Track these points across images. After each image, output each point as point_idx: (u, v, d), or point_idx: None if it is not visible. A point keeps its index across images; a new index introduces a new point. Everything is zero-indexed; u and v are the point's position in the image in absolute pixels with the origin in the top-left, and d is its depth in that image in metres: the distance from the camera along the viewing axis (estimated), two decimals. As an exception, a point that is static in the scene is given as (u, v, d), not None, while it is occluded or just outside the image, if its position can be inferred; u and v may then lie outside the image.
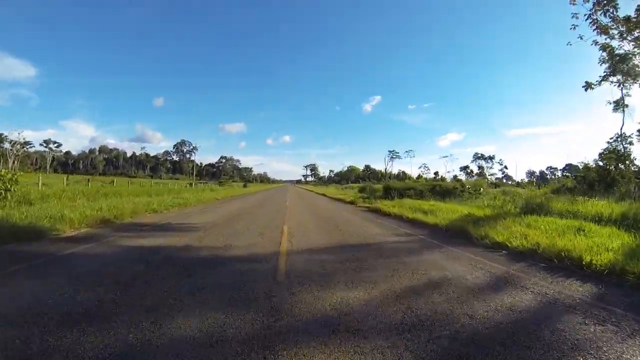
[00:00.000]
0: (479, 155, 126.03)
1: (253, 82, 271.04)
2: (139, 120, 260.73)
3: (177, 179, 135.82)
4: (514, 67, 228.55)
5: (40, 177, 19.97)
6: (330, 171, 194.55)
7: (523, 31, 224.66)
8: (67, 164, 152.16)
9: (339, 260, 6.23)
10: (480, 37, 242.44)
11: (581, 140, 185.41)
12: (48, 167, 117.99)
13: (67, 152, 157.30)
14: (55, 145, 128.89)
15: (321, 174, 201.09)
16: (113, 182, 34.19)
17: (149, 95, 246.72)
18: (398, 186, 28.34)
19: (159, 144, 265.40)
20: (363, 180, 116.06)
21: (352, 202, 26.35)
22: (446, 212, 14.00)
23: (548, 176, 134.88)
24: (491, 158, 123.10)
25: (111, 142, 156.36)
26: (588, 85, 18.01)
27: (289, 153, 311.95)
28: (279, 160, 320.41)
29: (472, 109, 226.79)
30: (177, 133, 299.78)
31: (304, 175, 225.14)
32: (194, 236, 8.45)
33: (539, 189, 27.43)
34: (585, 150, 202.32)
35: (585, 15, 15.25)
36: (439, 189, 25.75)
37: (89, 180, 38.00)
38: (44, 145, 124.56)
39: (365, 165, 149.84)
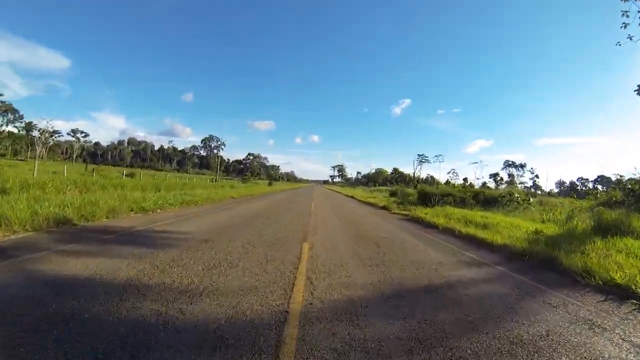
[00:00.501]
0: (510, 162, 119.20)
1: (284, 81, 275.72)
2: (168, 115, 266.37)
3: (203, 174, 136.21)
4: (547, 75, 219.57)
5: (36, 164, 17.61)
6: (358, 173, 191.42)
7: (560, 38, 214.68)
8: (95, 155, 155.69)
9: (402, 338, 3.09)
10: (514, 43, 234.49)
11: (614, 152, 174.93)
12: (74, 157, 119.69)
13: (97, 143, 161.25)
14: (83, 135, 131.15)
15: (349, 175, 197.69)
16: (124, 173, 32.02)
17: (179, 90, 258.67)
18: (435, 192, 24.68)
19: (188, 139, 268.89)
20: (390, 183, 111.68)
21: (385, 208, 22.92)
22: (506, 227, 11.38)
23: (579, 187, 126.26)
24: (522, 166, 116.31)
25: (140, 135, 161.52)
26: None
27: (316, 153, 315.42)
28: (307, 159, 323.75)
29: (502, 116, 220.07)
30: (206, 129, 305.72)
31: (331, 176, 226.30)
32: (158, 260, 5.19)
33: (580, 200, 23.98)
34: (619, 163, 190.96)
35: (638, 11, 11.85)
36: (482, 197, 21.99)
37: (93, 170, 36.25)
38: (72, 134, 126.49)
39: (393, 168, 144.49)
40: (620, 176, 18.74)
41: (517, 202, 20.21)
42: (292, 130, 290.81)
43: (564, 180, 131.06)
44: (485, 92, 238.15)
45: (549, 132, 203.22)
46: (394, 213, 19.35)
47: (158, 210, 12.10)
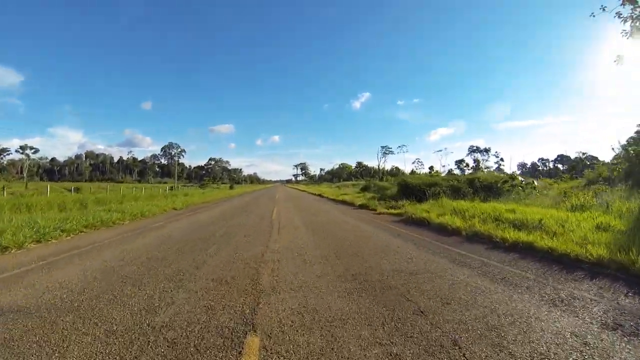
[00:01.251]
0: (475, 147, 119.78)
1: (241, 82, 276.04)
2: (127, 125, 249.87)
3: (165, 183, 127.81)
4: (504, 63, 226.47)
5: None
6: (321, 169, 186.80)
7: (512, 28, 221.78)
8: (52, 171, 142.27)
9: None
10: (469, 33, 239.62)
11: (571, 132, 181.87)
12: (25, 175, 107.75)
13: (53, 159, 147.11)
14: (33, 151, 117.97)
15: (312, 173, 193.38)
16: (72, 189, 26.01)
17: (137, 99, 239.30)
18: (417, 182, 20.80)
19: (148, 148, 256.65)
20: (355, 178, 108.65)
21: (365, 207, 18.80)
22: (553, 223, 8.05)
23: (539, 167, 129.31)
24: (487, 151, 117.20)
25: (100, 148, 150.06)
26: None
27: (278, 154, 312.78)
28: (269, 160, 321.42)
29: (461, 103, 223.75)
30: (167, 137, 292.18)
31: (294, 175, 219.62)
32: None
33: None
34: (577, 141, 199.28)
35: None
36: (478, 184, 18.35)
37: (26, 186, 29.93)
38: (20, 151, 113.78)
39: (357, 162, 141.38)
40: (583, 154, 16.51)
41: (520, 187, 16.71)
42: (252, 132, 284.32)
43: (525, 162, 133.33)
44: (443, 80, 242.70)
45: (509, 116, 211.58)
46: (381, 213, 15.24)
47: (28, 247, 7.19)
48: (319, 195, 36.18)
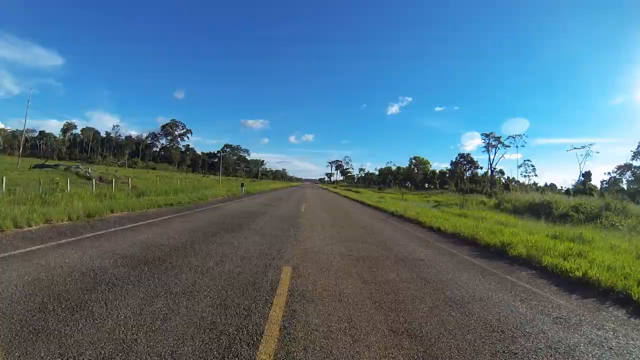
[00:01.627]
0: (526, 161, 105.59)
1: (277, 78, 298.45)
2: (160, 114, 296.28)
3: (154, 169, 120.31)
4: (545, 74, 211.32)
5: None
6: (361, 170, 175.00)
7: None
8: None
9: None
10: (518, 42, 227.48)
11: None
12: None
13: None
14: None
15: (351, 172, 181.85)
16: None
17: (171, 87, 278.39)
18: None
19: (186, 140, 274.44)
20: (428, 184, 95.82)
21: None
22: None
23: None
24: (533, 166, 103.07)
25: (133, 134, 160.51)
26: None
27: (311, 152, 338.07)
28: (301, 159, 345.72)
29: (498, 115, 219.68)
30: (199, 127, 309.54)
31: (327, 174, 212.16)
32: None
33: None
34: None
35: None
36: None
37: None
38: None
39: (412, 159, 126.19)
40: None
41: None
42: (286, 129, 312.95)
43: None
44: (484, 91, 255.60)
45: (544, 132, 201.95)
46: None
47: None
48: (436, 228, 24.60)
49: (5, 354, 2.63)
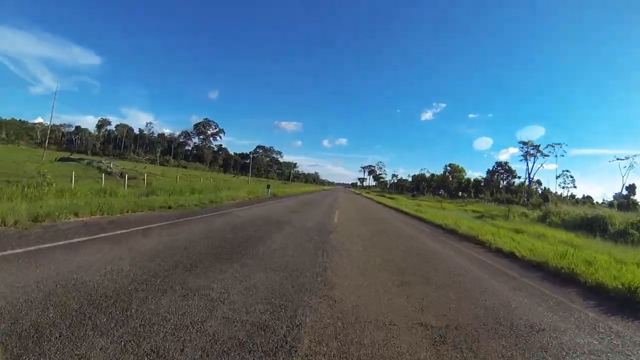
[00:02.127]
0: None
1: (311, 80, 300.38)
2: (194, 113, 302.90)
3: (185, 168, 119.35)
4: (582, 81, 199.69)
5: None
6: (394, 176, 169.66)
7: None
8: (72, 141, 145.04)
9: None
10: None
11: None
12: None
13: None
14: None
15: (385, 178, 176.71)
16: None
17: (204, 87, 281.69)
18: None
19: (218, 140, 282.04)
20: (462, 192, 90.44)
21: None
22: None
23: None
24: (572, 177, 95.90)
25: (167, 132, 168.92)
26: None
27: (344, 157, 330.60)
28: (334, 163, 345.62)
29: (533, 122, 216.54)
30: (232, 127, 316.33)
31: (359, 179, 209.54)
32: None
33: None
34: None
35: None
36: None
37: None
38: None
39: (447, 167, 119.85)
40: None
41: None
42: (320, 132, 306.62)
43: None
44: (515, 99, 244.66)
45: (582, 142, 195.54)
46: None
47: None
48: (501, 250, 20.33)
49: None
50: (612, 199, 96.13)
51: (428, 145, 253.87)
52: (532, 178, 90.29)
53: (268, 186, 30.04)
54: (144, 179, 24.78)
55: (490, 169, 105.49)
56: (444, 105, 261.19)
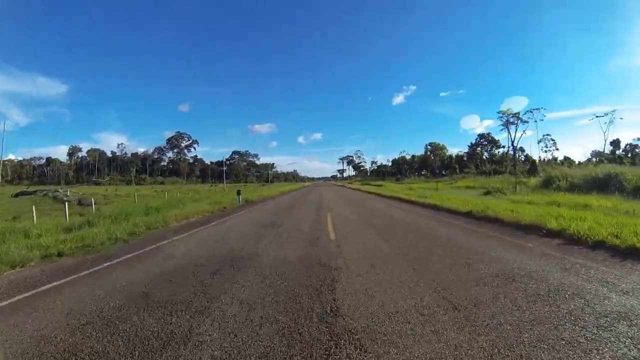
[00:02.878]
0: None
1: (280, 80, 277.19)
2: (168, 129, 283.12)
3: (161, 184, 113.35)
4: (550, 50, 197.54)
5: None
6: (373, 162, 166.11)
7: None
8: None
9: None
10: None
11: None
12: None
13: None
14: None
15: (364, 166, 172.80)
16: None
17: (175, 102, 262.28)
18: None
19: (192, 151, 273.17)
20: (443, 169, 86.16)
21: None
22: None
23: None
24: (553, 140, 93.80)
25: (141, 150, 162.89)
26: None
27: (320, 151, 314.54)
28: (311, 158, 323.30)
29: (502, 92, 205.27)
30: (205, 138, 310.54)
31: (339, 170, 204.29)
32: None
33: None
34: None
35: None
36: None
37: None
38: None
39: (428, 146, 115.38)
40: None
41: None
42: (294, 130, 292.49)
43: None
44: (487, 70, 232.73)
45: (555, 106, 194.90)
46: None
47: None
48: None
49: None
50: (589, 156, 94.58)
51: (403, 129, 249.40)
52: (516, 146, 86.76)
53: (238, 192, 24.64)
54: (92, 205, 19.95)
55: (473, 142, 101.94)
56: (414, 87, 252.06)
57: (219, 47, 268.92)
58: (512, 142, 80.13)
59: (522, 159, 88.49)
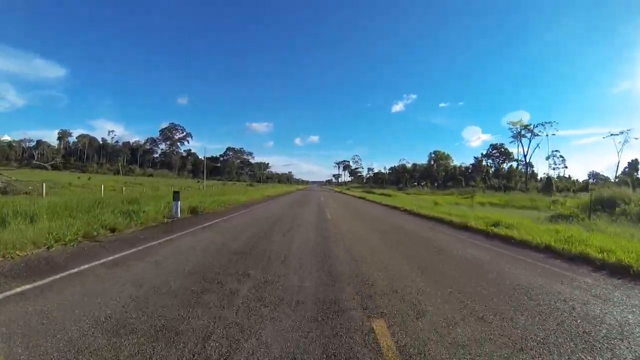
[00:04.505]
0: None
1: (279, 79, 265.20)
2: (165, 121, 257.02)
3: (150, 176, 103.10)
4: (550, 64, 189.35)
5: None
6: (369, 170, 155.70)
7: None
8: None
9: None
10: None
11: None
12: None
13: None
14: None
15: (361, 173, 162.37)
16: None
17: (174, 94, 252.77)
18: None
19: (187, 145, 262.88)
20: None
21: None
22: None
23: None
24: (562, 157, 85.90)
25: (133, 140, 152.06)
26: None
27: (316, 154, 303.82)
28: (307, 161, 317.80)
29: (501, 107, 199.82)
30: (202, 132, 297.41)
31: (334, 175, 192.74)
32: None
33: None
34: None
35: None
36: None
37: None
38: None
39: (433, 155, 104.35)
40: None
41: None
42: (291, 131, 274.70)
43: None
44: (487, 85, 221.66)
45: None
46: None
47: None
48: None
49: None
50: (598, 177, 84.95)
51: (401, 137, 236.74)
52: (529, 161, 76.73)
53: (176, 194, 13.43)
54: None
55: (484, 153, 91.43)
56: (414, 96, 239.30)
57: (221, 42, 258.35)
58: (525, 155, 70.05)
59: (529, 175, 78.83)
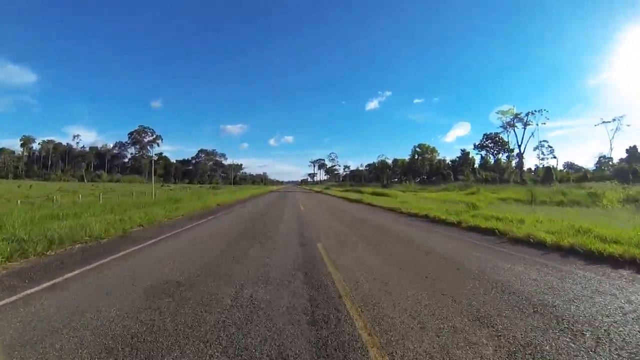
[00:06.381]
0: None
1: (253, 79, 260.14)
2: (138, 124, 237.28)
3: (117, 181, 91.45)
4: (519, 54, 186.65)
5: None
6: (346, 167, 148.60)
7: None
8: None
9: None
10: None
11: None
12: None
13: None
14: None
15: (338, 171, 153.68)
16: None
17: (147, 97, 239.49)
18: None
19: (160, 148, 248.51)
20: (426, 177, 67.22)
21: None
22: None
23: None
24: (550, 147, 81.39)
25: (104, 145, 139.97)
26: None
27: (291, 154, 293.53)
28: (282, 161, 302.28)
29: (475, 102, 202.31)
30: (176, 136, 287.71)
31: (310, 174, 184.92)
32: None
33: None
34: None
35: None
36: None
37: None
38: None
39: (415, 148, 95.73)
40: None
41: None
42: (266, 132, 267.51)
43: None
44: (464, 79, 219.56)
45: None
46: None
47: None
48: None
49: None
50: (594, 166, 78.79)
51: (377, 135, 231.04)
52: (523, 151, 69.29)
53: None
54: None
55: (477, 143, 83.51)
56: (389, 93, 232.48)
57: (194, 44, 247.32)
58: (519, 145, 62.31)
59: (515, 166, 71.99)
